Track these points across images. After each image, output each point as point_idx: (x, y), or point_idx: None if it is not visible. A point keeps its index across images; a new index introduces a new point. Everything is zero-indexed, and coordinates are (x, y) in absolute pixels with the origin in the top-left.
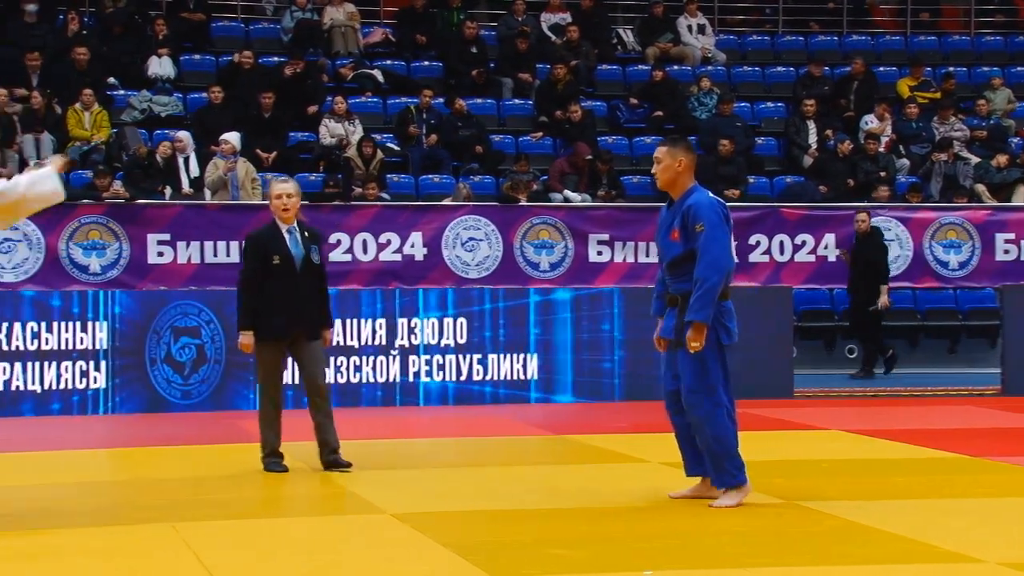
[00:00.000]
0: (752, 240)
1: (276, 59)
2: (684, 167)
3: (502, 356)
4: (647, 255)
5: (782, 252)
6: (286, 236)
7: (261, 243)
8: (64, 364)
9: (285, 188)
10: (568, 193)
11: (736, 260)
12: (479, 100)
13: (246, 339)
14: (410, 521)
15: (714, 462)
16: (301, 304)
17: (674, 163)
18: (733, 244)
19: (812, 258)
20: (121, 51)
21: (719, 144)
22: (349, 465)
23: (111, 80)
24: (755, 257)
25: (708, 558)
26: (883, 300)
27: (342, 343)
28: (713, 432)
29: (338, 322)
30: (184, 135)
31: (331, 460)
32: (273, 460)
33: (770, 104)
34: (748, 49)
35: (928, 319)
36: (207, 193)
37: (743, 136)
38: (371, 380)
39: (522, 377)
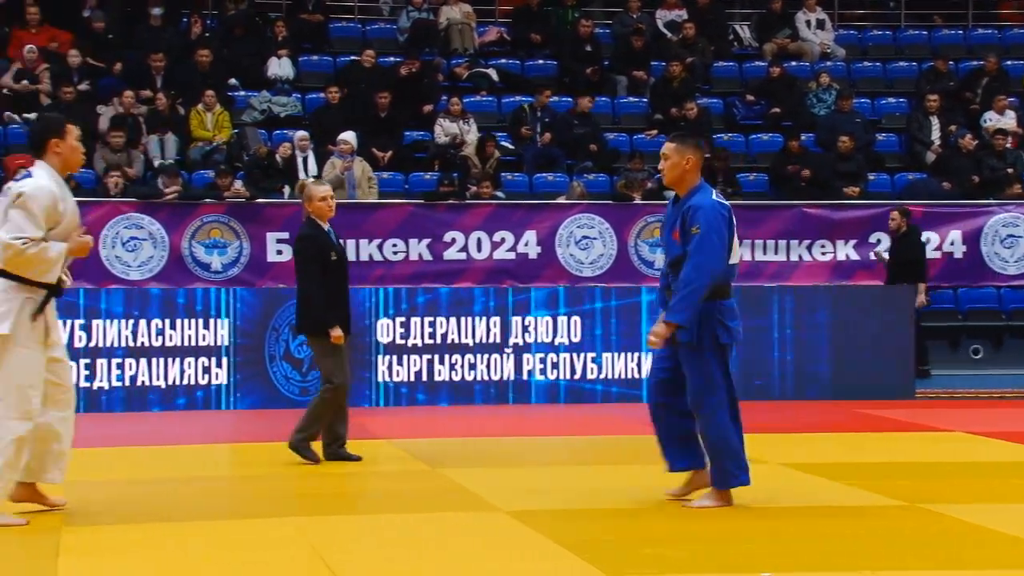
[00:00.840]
0: (873, 238)
1: (392, 59)
2: (691, 165)
3: (615, 355)
4: (764, 253)
5: None
6: (329, 234)
7: (319, 242)
8: (187, 360)
9: (328, 190)
10: None
11: (735, 261)
12: (593, 98)
13: (338, 332)
14: (525, 519)
15: (715, 462)
16: (346, 297)
17: (682, 161)
18: (737, 244)
19: (937, 255)
20: (242, 53)
21: (838, 141)
22: (359, 458)
23: (232, 81)
24: None
25: (825, 560)
26: (920, 298)
27: (457, 341)
28: (717, 432)
29: (452, 320)
30: (304, 135)
31: (340, 453)
32: (340, 450)
33: (891, 100)
34: (868, 44)
35: None
36: None
37: (863, 132)
38: (484, 378)
39: (635, 376)
